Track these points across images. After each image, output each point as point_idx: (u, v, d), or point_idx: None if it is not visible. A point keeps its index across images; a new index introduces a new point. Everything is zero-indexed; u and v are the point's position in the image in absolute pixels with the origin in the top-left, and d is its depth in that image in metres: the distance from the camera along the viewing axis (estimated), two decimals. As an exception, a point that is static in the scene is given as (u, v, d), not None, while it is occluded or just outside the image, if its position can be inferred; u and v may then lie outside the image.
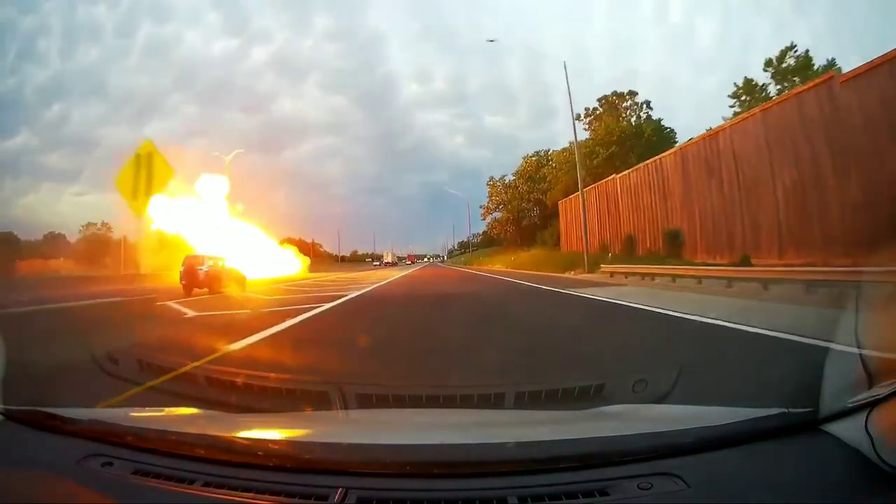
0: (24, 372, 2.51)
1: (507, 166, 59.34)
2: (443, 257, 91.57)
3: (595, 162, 33.08)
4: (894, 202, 10.88)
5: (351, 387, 2.56)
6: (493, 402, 2.61)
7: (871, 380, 1.29)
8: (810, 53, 28.79)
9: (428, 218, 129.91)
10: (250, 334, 5.84)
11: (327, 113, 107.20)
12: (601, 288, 13.46)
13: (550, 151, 47.74)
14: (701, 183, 19.38)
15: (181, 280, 15.09)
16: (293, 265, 39.67)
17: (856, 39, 43.42)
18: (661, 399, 2.34)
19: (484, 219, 57.04)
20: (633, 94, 39.51)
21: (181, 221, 30.67)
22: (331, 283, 19.70)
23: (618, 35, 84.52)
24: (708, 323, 6.39)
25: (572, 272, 22.82)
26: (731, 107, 30.86)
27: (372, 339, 5.77)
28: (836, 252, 12.14)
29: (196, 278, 14.94)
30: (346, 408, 2.32)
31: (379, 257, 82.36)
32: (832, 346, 1.75)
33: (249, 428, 1.78)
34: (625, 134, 34.24)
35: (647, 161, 24.25)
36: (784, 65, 28.95)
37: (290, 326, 6.95)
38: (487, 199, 54.55)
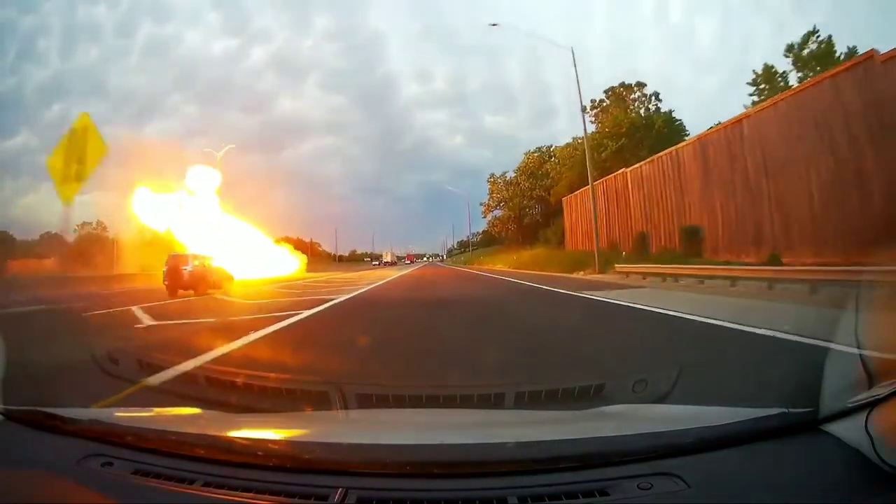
0: (24, 372, 2.51)
1: (507, 166, 59.30)
2: (442, 257, 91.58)
3: (603, 155, 31.38)
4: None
5: (351, 387, 2.55)
6: (493, 402, 2.61)
7: (871, 380, 1.29)
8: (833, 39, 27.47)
9: (427, 218, 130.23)
10: (186, 358, 4.18)
11: (327, 112, 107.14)
12: (623, 290, 11.96)
13: (553, 147, 46.87)
14: (723, 175, 17.89)
15: (164, 281, 14.47)
16: (290, 265, 39.36)
17: (856, 38, 43.32)
18: (661, 399, 2.34)
19: (484, 217, 56.42)
20: (641, 85, 38.20)
21: (175, 220, 30.71)
22: (324, 284, 19.16)
23: (617, 35, 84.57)
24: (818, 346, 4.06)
25: (582, 272, 21.59)
26: (751, 95, 29.91)
27: (350, 362, 4.47)
28: (882, 247, 10.44)
29: (180, 279, 14.27)
30: (346, 408, 2.31)
31: (378, 257, 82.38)
32: None
33: (249, 428, 1.78)
34: (634, 126, 32.41)
35: (661, 153, 22.83)
36: (806, 51, 27.86)
37: (251, 343, 5.55)
38: (488, 197, 53.69)
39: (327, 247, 78.07)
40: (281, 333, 6.44)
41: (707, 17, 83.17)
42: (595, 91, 41.00)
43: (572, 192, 33.47)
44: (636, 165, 25.13)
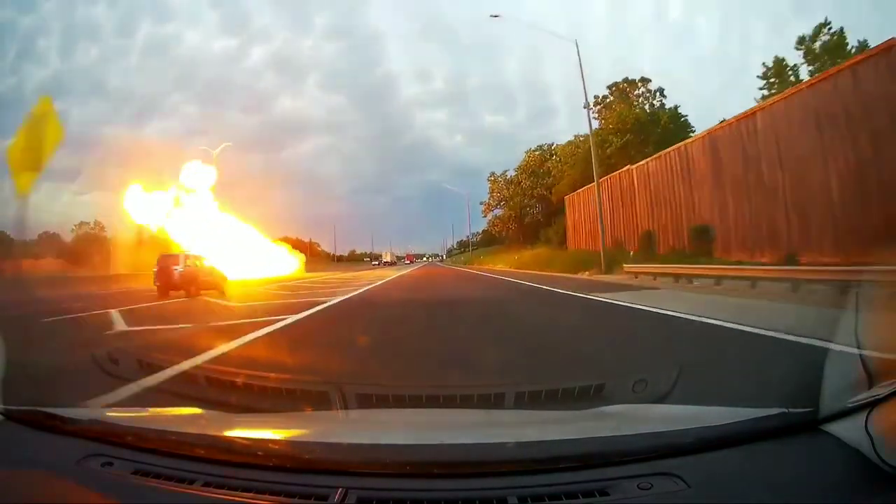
0: (24, 372, 2.50)
1: (508, 165, 59.08)
2: (441, 257, 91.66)
3: (608, 151, 30.63)
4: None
5: (351, 387, 2.55)
6: (493, 402, 2.61)
7: (871, 380, 1.29)
8: (844, 32, 26.94)
9: (427, 217, 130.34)
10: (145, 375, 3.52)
11: (327, 112, 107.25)
12: (636, 293, 11.09)
13: (555, 145, 46.49)
14: (735, 171, 17.11)
15: (155, 282, 14.18)
16: (288, 264, 39.27)
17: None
18: (661, 399, 2.34)
19: (485, 216, 56.13)
20: (645, 80, 37.46)
21: (169, 219, 30.71)
22: (321, 285, 18.89)
23: (617, 36, 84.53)
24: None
25: (587, 273, 20.95)
26: (761, 89, 29.42)
27: (347, 366, 4.30)
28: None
29: (171, 280, 13.85)
30: (346, 408, 2.31)
31: (377, 257, 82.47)
32: None
33: (249, 428, 1.78)
34: (639, 121, 31.70)
35: (669, 148, 22.00)
36: (818, 43, 27.37)
37: (223, 354, 4.89)
38: (488, 196, 53.27)
39: (326, 247, 78.29)
40: (259, 343, 5.68)
41: (707, 15, 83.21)
42: (597, 88, 40.50)
43: (574, 191, 32.92)
44: (642, 162, 24.35)
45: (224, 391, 2.94)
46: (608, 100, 38.01)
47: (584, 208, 30.71)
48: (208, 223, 32.33)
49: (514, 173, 50.05)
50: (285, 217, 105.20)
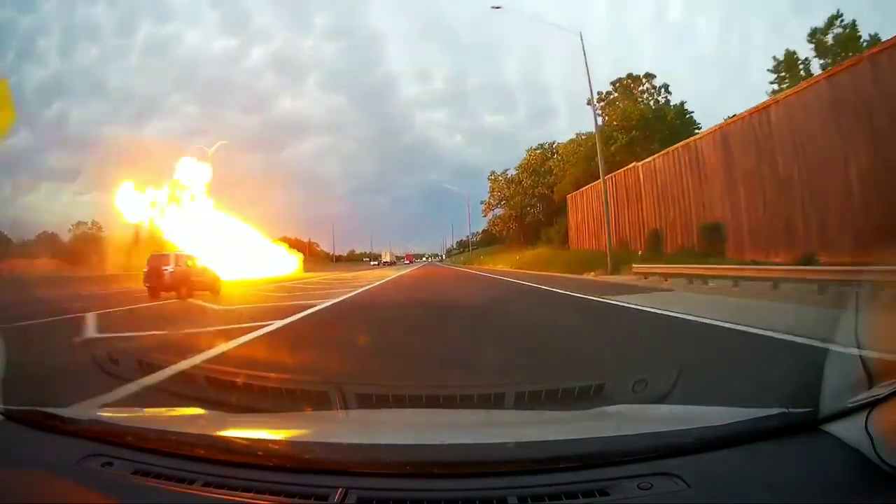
0: (24, 372, 2.49)
1: (508, 164, 58.88)
2: (441, 257, 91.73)
3: (613, 148, 30.01)
4: None
5: (351, 387, 2.55)
6: (493, 402, 2.61)
7: (871, 380, 1.29)
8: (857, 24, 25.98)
9: (426, 217, 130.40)
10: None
11: (327, 112, 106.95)
12: (647, 295, 10.30)
13: (556, 144, 46.17)
14: (748, 167, 16.41)
15: (145, 282, 13.78)
16: (286, 265, 39.12)
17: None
18: (661, 399, 2.34)
19: (485, 215, 55.71)
20: (650, 76, 36.97)
21: (163, 218, 30.67)
22: (319, 285, 18.66)
23: (617, 35, 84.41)
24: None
25: (592, 273, 20.28)
26: (772, 83, 28.81)
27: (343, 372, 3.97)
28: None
29: (161, 280, 13.45)
30: (346, 408, 2.31)
31: (376, 257, 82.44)
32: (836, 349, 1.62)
33: (249, 428, 1.78)
34: (644, 118, 31.09)
35: (677, 144, 21.41)
36: (829, 35, 26.65)
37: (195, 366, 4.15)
38: (489, 195, 52.90)
39: (325, 247, 78.25)
40: (238, 352, 5.20)
41: (707, 15, 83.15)
42: (598, 87, 40.17)
43: (577, 189, 32.53)
44: (649, 159, 23.74)
45: (224, 391, 2.94)
46: (612, 96, 37.67)
47: (587, 207, 30.36)
48: (204, 222, 32.29)
49: (514, 172, 49.81)
50: (285, 217, 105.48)
